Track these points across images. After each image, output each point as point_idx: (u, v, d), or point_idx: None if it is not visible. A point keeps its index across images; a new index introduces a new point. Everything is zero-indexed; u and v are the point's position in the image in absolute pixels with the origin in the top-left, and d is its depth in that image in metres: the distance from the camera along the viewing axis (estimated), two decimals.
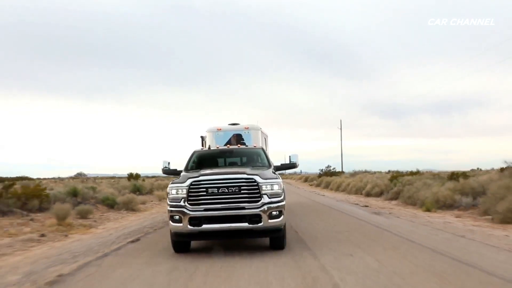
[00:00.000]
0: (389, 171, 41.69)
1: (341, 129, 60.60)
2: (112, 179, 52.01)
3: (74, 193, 16.01)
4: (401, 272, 5.28)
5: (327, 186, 36.16)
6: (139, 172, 35.01)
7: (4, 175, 48.78)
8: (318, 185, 41.67)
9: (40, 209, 13.11)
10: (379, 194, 21.62)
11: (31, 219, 11.79)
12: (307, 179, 59.97)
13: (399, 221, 11.21)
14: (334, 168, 50.25)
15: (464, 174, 18.05)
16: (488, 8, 79.54)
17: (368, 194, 22.85)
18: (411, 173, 24.52)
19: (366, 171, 46.70)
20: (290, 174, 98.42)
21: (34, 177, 50.31)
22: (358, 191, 25.25)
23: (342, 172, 51.68)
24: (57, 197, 14.68)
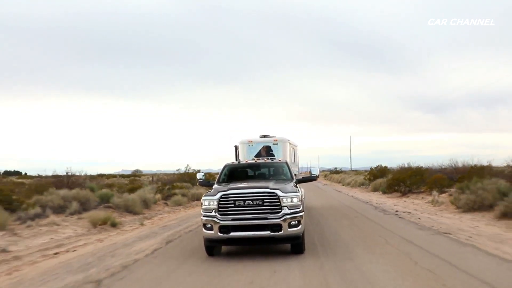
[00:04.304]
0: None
1: (350, 142, 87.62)
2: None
3: None
4: (314, 198, 33.63)
5: (330, 179, 64.14)
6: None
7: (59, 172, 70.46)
8: (327, 179, 69.63)
9: None
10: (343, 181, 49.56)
11: None
12: (326, 175, 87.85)
13: (329, 188, 39.34)
14: (340, 168, 78.06)
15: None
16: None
17: (339, 182, 50.75)
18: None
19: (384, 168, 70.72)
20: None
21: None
22: (337, 181, 53.24)
23: (351, 170, 79.10)
24: None
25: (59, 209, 14.36)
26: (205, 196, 7.64)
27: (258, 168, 10.08)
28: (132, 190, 20.99)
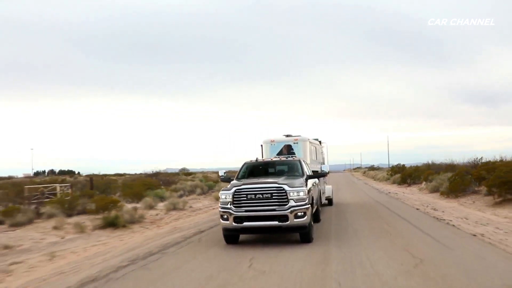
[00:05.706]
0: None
1: (388, 142, 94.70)
2: None
3: None
4: (345, 187, 42.95)
5: (366, 175, 72.70)
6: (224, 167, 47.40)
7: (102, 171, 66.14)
8: (365, 175, 78.14)
9: None
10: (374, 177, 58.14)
11: None
12: (364, 172, 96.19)
13: (361, 182, 48.26)
14: (378, 166, 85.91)
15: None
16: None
17: (373, 177, 59.27)
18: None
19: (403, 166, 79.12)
20: (358, 168, 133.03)
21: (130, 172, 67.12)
22: (371, 176, 61.77)
23: (389, 167, 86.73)
24: None
25: (190, 192, 25.15)
26: (222, 190, 8.63)
27: (273, 165, 11.11)
28: (216, 182, 31.70)
